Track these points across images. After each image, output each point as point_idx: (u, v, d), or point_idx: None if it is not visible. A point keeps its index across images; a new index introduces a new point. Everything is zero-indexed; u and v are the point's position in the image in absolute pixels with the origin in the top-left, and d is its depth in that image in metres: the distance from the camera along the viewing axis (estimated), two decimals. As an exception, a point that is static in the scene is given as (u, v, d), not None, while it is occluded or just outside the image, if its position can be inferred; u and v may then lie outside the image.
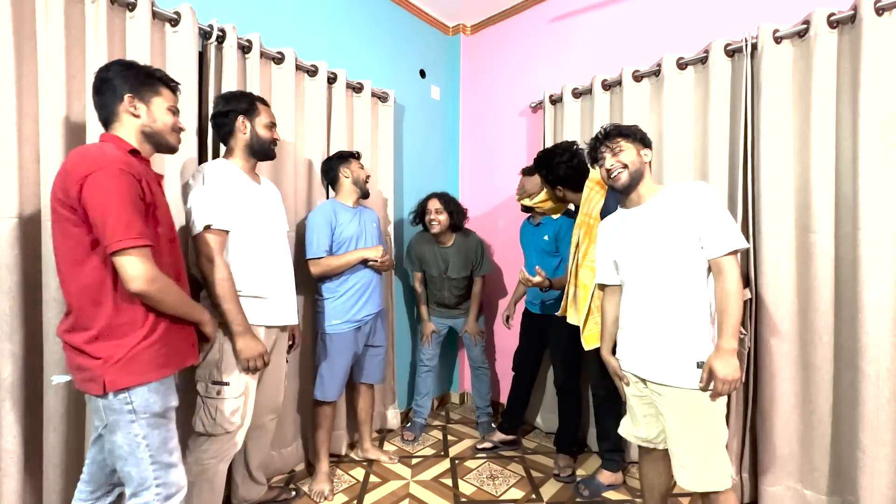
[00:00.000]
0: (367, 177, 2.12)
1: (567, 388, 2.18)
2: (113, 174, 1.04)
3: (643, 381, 1.39)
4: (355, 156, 2.10)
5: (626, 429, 1.51)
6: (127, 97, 1.17)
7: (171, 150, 1.30)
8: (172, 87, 1.28)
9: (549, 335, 2.22)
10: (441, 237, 2.44)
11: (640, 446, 1.50)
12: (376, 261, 1.99)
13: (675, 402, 1.28)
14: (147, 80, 1.21)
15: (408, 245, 2.60)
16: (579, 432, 2.28)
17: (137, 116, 1.19)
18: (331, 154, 2.14)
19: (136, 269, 1.04)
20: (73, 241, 1.06)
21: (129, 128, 1.19)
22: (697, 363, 1.25)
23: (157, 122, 1.22)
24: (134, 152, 1.16)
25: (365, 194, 2.12)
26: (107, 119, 1.20)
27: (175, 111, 1.27)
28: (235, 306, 1.46)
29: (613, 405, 1.97)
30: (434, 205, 2.38)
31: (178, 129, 1.29)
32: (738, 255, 1.26)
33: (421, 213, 2.44)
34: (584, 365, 2.00)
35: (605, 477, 2.00)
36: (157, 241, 1.14)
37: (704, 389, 1.23)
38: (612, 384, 1.93)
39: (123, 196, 1.04)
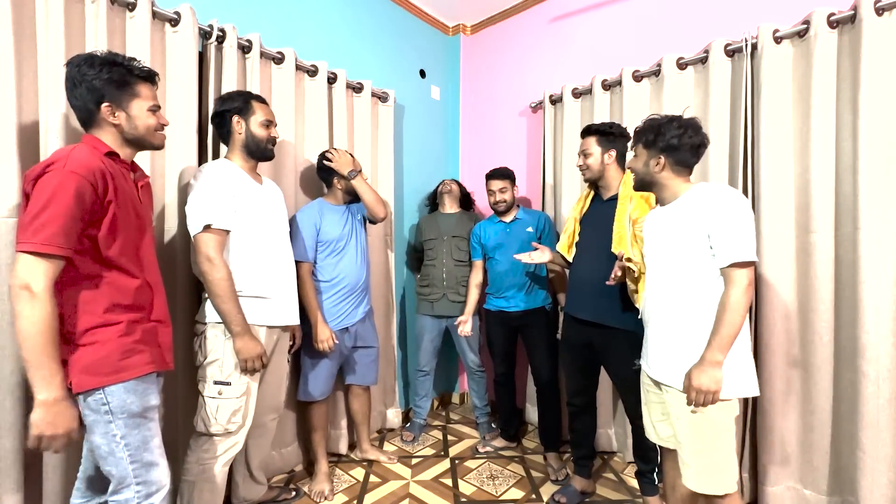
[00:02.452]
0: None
1: (548, 383, 2.20)
2: (61, 175, 1.00)
3: (656, 382, 1.39)
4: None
5: (649, 432, 1.49)
6: (104, 107, 1.12)
7: (156, 148, 1.27)
8: (151, 78, 1.21)
9: (526, 333, 2.22)
10: (448, 206, 2.58)
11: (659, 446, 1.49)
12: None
13: (677, 402, 1.29)
14: (124, 82, 1.14)
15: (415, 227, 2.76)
16: (562, 427, 2.28)
17: (118, 125, 1.15)
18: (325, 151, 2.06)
19: (19, 270, 0.96)
20: None
21: (109, 133, 1.15)
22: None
23: (138, 129, 1.18)
24: (111, 154, 1.13)
25: (354, 198, 2.04)
26: (85, 121, 1.15)
27: (156, 108, 1.21)
28: (234, 306, 1.45)
29: (590, 413, 1.95)
30: (447, 185, 2.61)
31: (160, 128, 1.23)
32: (751, 267, 1.19)
33: (434, 193, 2.69)
34: (568, 373, 1.97)
35: (578, 482, 1.97)
36: (116, 247, 1.10)
37: (684, 393, 1.23)
38: (590, 395, 1.93)
39: (58, 199, 0.98)
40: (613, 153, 1.77)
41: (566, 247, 1.91)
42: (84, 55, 1.14)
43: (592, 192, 1.88)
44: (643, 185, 1.42)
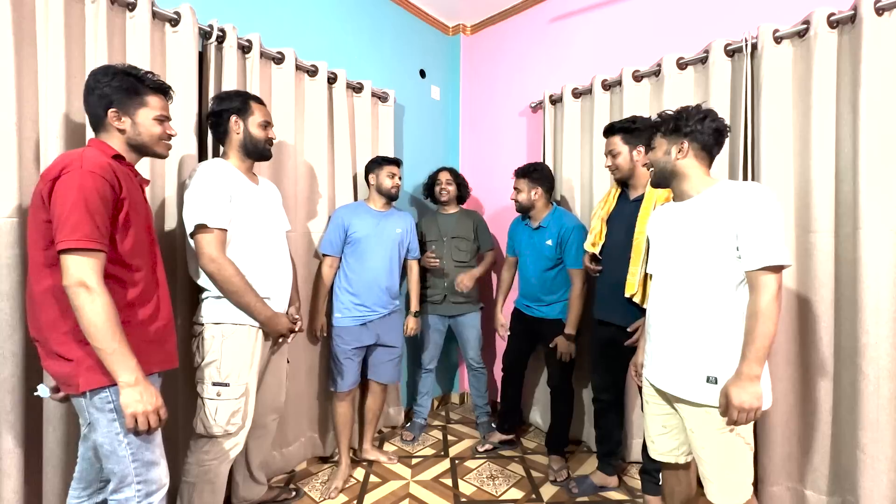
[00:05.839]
0: (396, 186, 2.15)
1: (563, 387, 2.19)
2: (80, 175, 1.04)
3: (661, 393, 1.34)
4: (390, 162, 2.15)
5: (649, 447, 1.44)
6: (111, 112, 1.17)
7: (160, 157, 1.31)
8: (164, 91, 1.27)
9: (543, 336, 2.21)
10: (446, 206, 2.57)
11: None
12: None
13: (696, 417, 1.22)
14: (133, 91, 1.19)
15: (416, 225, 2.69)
16: (570, 431, 2.29)
17: (123, 130, 1.20)
18: (374, 157, 2.22)
19: (71, 270, 1.02)
20: (44, 240, 1.07)
21: (115, 138, 1.20)
22: (707, 377, 1.18)
23: (141, 136, 1.22)
24: (118, 157, 1.17)
25: (391, 199, 2.18)
26: (95, 125, 1.21)
27: (163, 119, 1.25)
28: (253, 297, 1.48)
29: (616, 411, 1.98)
30: (445, 176, 2.55)
31: (166, 138, 1.28)
32: (781, 272, 1.12)
33: (431, 184, 2.60)
34: (595, 370, 2.00)
35: (599, 478, 2.00)
36: (129, 245, 1.14)
37: (723, 414, 1.14)
38: (616, 391, 1.95)
39: (83, 197, 1.03)
40: (642, 148, 1.72)
41: (591, 246, 1.91)
42: (104, 66, 1.21)
43: (619, 191, 1.86)
44: (663, 178, 1.32)
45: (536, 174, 2.15)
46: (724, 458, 1.19)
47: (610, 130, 1.81)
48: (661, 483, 1.72)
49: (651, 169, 1.35)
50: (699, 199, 1.24)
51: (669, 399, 1.32)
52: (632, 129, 1.74)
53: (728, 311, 1.18)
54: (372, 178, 2.16)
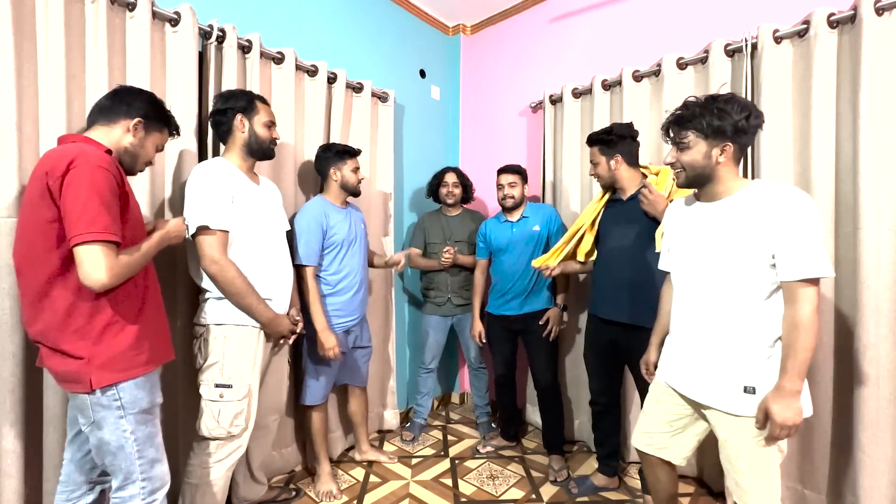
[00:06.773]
0: (360, 180, 2.00)
1: (551, 386, 2.20)
2: (91, 170, 1.04)
3: (685, 398, 1.29)
4: (351, 153, 1.98)
5: (639, 437, 1.41)
6: (137, 121, 1.22)
7: (130, 173, 1.31)
8: (175, 133, 1.37)
9: (527, 336, 2.21)
10: (451, 209, 2.56)
11: (639, 450, 1.43)
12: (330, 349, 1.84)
13: (726, 426, 1.19)
14: (161, 122, 1.30)
15: (417, 221, 2.70)
16: (565, 428, 2.30)
17: (130, 139, 1.22)
18: (329, 143, 2.03)
19: (95, 261, 1.02)
20: (49, 239, 1.05)
21: (114, 137, 1.20)
22: (745, 387, 1.14)
23: (143, 148, 1.27)
24: (108, 152, 1.17)
25: (355, 195, 2.06)
26: (96, 121, 1.21)
27: (159, 149, 1.34)
28: (254, 299, 1.47)
29: (614, 413, 1.98)
30: (452, 178, 2.52)
31: (149, 163, 1.34)
32: (819, 283, 1.07)
33: (436, 185, 2.56)
34: (593, 374, 1.99)
35: (600, 479, 2.01)
36: (125, 240, 1.14)
37: (761, 428, 1.11)
38: (614, 393, 1.95)
39: (96, 191, 1.03)
40: (618, 157, 1.79)
41: (581, 249, 1.95)
42: (151, 92, 1.32)
43: (608, 195, 1.89)
44: (698, 181, 1.21)
45: (524, 171, 2.27)
46: (761, 468, 1.16)
47: (589, 142, 1.87)
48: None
49: (681, 171, 1.22)
50: (731, 200, 1.16)
51: (696, 406, 1.28)
52: (607, 140, 1.80)
53: (761, 318, 1.13)
54: (333, 171, 1.94)
